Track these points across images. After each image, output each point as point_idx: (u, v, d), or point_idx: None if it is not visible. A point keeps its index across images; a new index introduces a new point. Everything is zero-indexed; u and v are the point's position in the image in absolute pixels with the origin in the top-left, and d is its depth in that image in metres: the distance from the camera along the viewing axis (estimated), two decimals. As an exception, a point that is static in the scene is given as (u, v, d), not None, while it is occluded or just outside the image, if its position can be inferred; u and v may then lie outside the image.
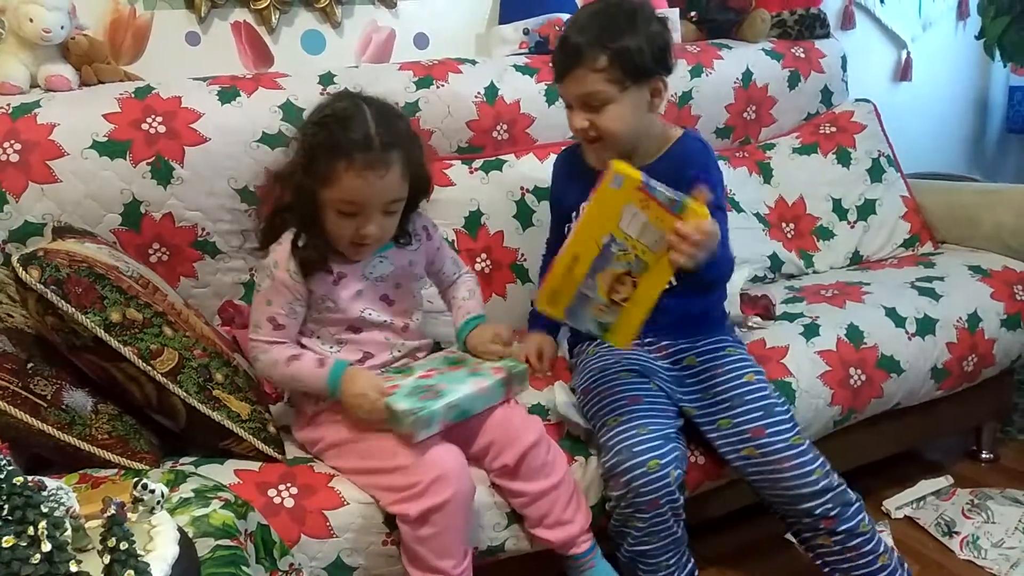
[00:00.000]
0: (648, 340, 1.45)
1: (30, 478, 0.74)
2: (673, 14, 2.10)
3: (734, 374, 1.40)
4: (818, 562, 1.38)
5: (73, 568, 0.69)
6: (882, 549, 1.35)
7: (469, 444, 1.30)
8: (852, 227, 2.09)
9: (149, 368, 1.17)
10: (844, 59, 2.28)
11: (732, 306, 1.63)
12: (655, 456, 1.27)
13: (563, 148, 1.63)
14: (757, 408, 1.35)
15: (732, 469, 1.40)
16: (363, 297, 1.34)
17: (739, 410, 1.35)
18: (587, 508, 1.34)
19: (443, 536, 1.19)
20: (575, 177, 1.49)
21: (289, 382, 1.34)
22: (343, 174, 1.22)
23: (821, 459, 1.34)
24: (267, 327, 1.30)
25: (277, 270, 1.29)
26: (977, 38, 2.64)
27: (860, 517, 1.34)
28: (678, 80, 2.01)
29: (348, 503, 1.23)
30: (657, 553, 1.31)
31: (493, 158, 1.83)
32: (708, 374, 1.41)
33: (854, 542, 1.33)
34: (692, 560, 1.37)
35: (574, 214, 1.45)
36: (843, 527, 1.32)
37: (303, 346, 1.34)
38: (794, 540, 1.44)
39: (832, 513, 1.32)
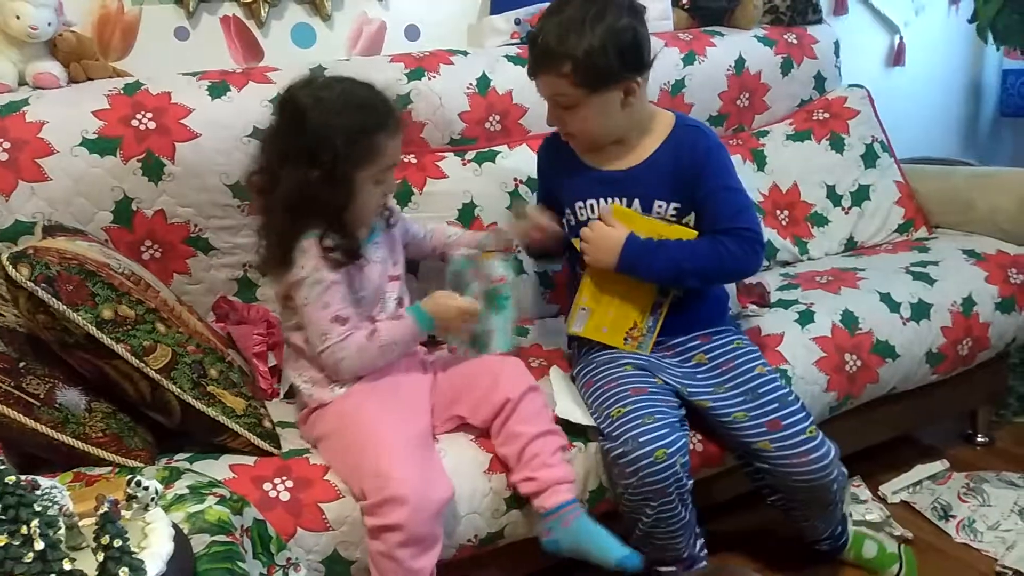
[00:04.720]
0: (656, 341, 1.47)
1: (23, 477, 0.74)
2: (665, 2, 2.10)
3: (746, 367, 1.42)
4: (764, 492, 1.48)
5: (67, 566, 0.69)
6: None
7: (479, 381, 1.34)
8: (846, 213, 2.09)
9: (142, 365, 1.16)
10: (837, 45, 2.27)
11: (729, 297, 1.63)
12: (662, 446, 1.28)
13: (547, 136, 1.63)
14: (772, 400, 1.37)
15: (743, 458, 1.44)
16: (381, 276, 1.41)
17: (754, 404, 1.37)
18: (571, 470, 1.33)
19: (388, 559, 1.17)
20: (561, 164, 1.49)
21: (382, 353, 1.34)
22: (385, 143, 1.32)
23: (828, 447, 1.36)
24: (336, 327, 1.31)
25: (320, 273, 1.30)
26: (970, 22, 2.63)
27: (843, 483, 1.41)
28: (671, 68, 2.00)
29: (344, 495, 1.23)
30: (666, 536, 1.34)
31: (486, 149, 1.82)
32: (720, 369, 1.43)
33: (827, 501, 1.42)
34: (702, 539, 1.41)
35: (576, 206, 1.47)
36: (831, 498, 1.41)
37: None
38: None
39: (831, 490, 1.38)
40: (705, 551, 1.42)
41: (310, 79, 1.37)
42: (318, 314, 1.31)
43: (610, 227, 1.39)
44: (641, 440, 1.29)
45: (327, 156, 1.27)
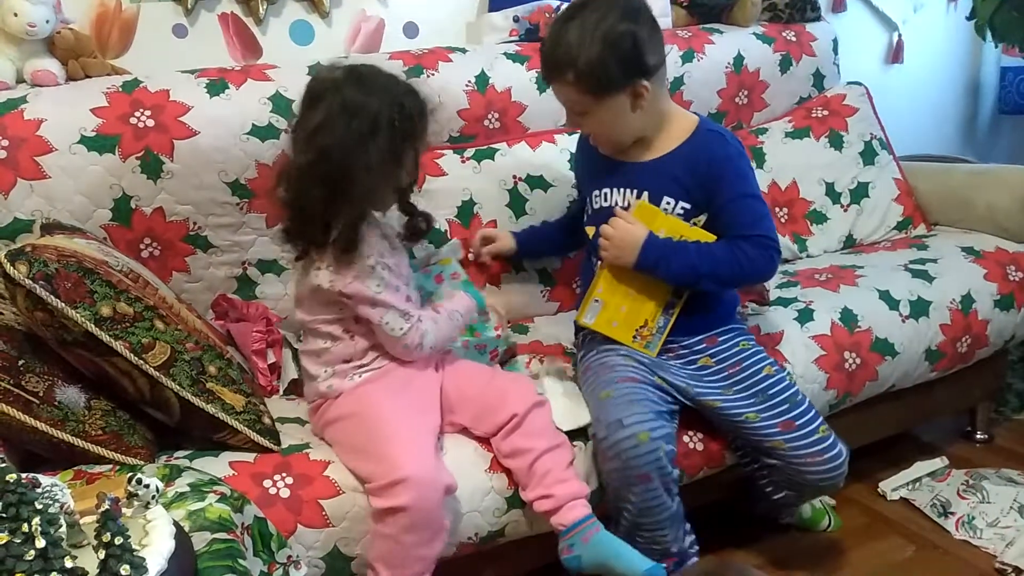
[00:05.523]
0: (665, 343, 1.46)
1: (24, 475, 0.74)
2: (664, -1, 2.10)
3: (753, 369, 1.42)
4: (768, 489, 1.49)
5: (68, 564, 0.69)
6: None
7: (486, 395, 1.35)
8: (845, 211, 2.09)
9: (141, 362, 1.16)
10: (835, 42, 2.27)
11: (739, 298, 1.63)
12: (645, 429, 1.29)
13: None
14: (783, 400, 1.38)
15: (748, 455, 1.45)
16: (408, 265, 1.46)
17: (765, 405, 1.38)
18: (584, 484, 1.33)
19: (393, 543, 1.18)
20: (587, 153, 1.54)
21: (450, 320, 1.40)
22: (429, 122, 1.37)
23: (840, 447, 1.38)
24: (411, 306, 1.36)
25: (384, 258, 1.33)
26: (968, 19, 2.63)
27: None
28: (670, 66, 1.98)
29: (344, 491, 1.23)
30: (653, 527, 1.34)
31: (485, 147, 1.82)
32: (726, 372, 1.43)
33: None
34: (692, 536, 1.40)
35: (593, 195, 1.51)
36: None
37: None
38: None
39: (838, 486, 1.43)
40: (696, 548, 1.41)
41: (344, 71, 1.32)
42: (394, 297, 1.33)
43: (630, 224, 1.39)
44: (625, 423, 1.30)
45: (389, 139, 1.28)
